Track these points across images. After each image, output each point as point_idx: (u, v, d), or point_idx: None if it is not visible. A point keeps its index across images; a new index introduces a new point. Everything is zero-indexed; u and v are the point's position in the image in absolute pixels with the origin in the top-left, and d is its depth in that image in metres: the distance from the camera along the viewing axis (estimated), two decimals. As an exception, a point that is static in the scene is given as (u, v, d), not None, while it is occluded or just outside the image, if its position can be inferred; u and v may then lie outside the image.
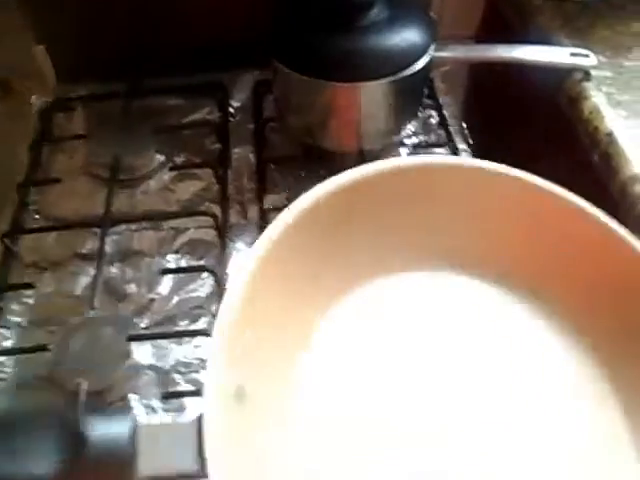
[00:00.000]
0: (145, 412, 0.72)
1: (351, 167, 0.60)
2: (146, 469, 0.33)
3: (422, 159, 0.59)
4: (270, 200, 0.89)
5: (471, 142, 0.99)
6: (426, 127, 1.00)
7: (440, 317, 0.52)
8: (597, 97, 0.85)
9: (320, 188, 0.52)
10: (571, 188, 0.56)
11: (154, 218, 0.86)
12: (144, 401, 0.73)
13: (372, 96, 0.81)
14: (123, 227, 0.86)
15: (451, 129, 0.99)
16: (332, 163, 0.88)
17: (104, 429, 0.34)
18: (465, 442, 0.46)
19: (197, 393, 0.73)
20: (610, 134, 0.81)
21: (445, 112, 1.01)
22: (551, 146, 0.92)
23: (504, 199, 0.52)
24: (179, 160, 0.94)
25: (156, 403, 0.72)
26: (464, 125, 1.01)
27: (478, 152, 0.97)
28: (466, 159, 0.63)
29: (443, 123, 1.00)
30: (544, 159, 0.93)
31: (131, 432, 0.34)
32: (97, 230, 0.84)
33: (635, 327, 0.45)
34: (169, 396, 0.71)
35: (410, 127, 0.97)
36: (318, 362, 0.50)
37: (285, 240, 0.50)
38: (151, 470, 0.33)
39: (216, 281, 0.80)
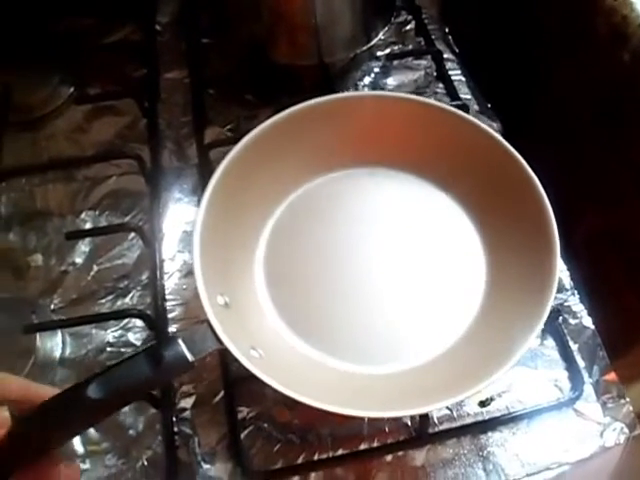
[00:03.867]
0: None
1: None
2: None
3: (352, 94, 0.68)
4: (211, 134, 0.71)
5: (457, 50, 0.81)
6: (401, 34, 0.83)
7: (372, 200, 0.65)
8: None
9: (268, 122, 0.58)
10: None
11: (62, 166, 0.68)
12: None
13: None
14: (22, 181, 0.68)
15: (432, 35, 0.81)
16: (286, 80, 0.71)
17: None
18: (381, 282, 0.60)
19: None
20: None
21: (424, 15, 0.83)
22: (563, 48, 0.74)
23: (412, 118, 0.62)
24: (93, 91, 0.74)
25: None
26: (447, 30, 0.83)
27: (467, 61, 0.80)
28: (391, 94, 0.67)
29: (421, 29, 0.81)
30: (556, 64, 0.75)
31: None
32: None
33: (498, 186, 0.60)
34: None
35: (382, 35, 0.78)
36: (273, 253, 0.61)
37: (236, 165, 0.57)
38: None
39: (145, 242, 0.62)
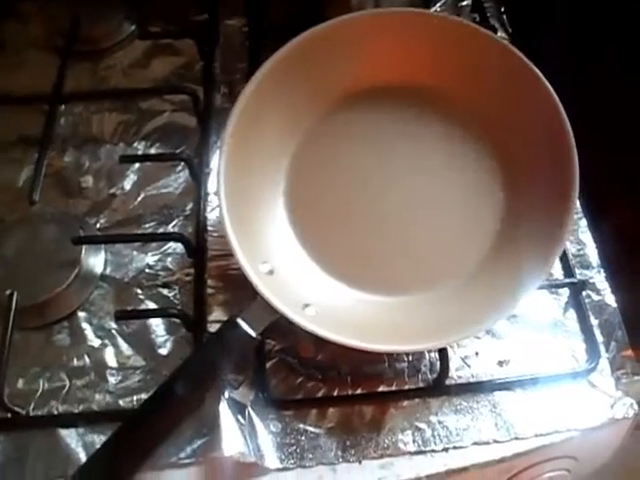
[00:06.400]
0: (95, 335, 0.57)
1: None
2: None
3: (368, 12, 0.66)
4: (264, 81, 0.71)
5: (510, 30, 0.82)
6: (457, 9, 0.83)
7: (393, 126, 0.65)
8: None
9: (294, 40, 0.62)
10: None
11: (120, 96, 0.70)
12: (95, 321, 0.58)
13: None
14: (80, 107, 0.70)
15: (487, 13, 0.82)
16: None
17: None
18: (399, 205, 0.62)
19: (161, 312, 0.58)
20: None
21: (480, -8, 0.83)
22: (619, 41, 0.75)
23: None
24: (154, 29, 0.76)
25: (110, 324, 0.58)
26: (502, 9, 0.83)
27: (519, 42, 0.80)
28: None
29: (478, 5, 0.82)
30: (609, 57, 0.76)
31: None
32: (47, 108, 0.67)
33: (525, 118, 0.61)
34: (126, 316, 0.56)
35: (438, 7, 0.79)
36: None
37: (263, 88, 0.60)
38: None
39: (192, 174, 0.64)
